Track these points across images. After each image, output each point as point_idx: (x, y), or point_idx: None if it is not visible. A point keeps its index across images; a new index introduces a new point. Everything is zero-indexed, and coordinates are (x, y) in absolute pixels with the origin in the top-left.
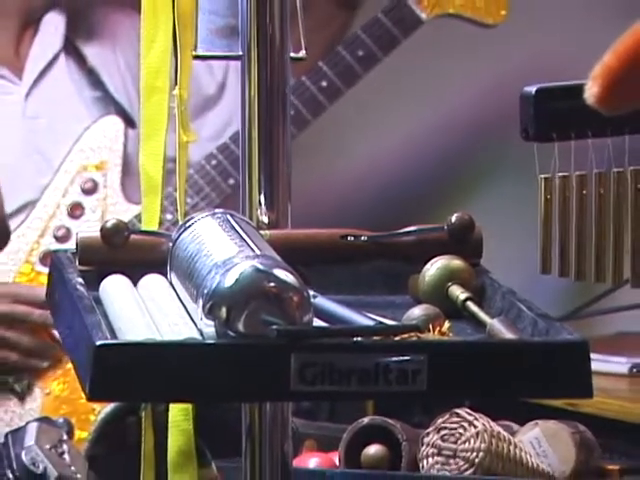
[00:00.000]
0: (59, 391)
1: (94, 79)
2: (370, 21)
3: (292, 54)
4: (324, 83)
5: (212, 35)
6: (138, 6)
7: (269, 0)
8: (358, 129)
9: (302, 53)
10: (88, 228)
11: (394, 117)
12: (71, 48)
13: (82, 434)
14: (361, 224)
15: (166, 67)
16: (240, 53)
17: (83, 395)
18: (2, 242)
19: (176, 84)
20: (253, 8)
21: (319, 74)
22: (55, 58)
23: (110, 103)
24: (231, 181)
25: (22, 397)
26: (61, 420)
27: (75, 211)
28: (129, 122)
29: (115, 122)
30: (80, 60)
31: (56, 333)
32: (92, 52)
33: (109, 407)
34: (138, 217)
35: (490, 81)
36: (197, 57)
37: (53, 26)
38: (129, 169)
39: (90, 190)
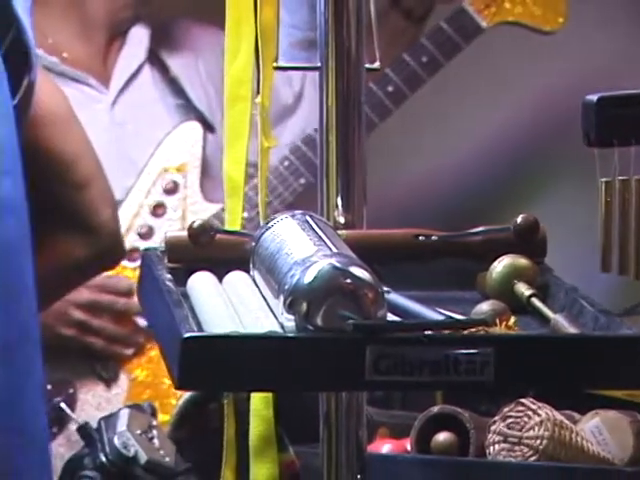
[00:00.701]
0: (143, 377)
1: (176, 88)
2: (433, 29)
3: (367, 65)
4: (390, 88)
5: (292, 48)
6: (218, 21)
7: (346, 15)
8: (426, 132)
9: (376, 64)
10: (174, 228)
11: (460, 121)
12: (155, 59)
13: (164, 417)
14: (428, 223)
15: (249, 77)
16: (318, 64)
17: (166, 381)
18: (118, 257)
19: (258, 93)
20: (331, 22)
21: (385, 80)
22: (140, 68)
23: (191, 110)
24: (302, 180)
25: (108, 383)
26: (145, 404)
27: (157, 210)
28: (208, 127)
29: (195, 127)
30: (163, 70)
31: (139, 322)
32: (175, 63)
33: (190, 392)
34: (216, 215)
35: (553, 86)
36: (278, 68)
37: (138, 39)
38: (207, 170)
39: (171, 190)
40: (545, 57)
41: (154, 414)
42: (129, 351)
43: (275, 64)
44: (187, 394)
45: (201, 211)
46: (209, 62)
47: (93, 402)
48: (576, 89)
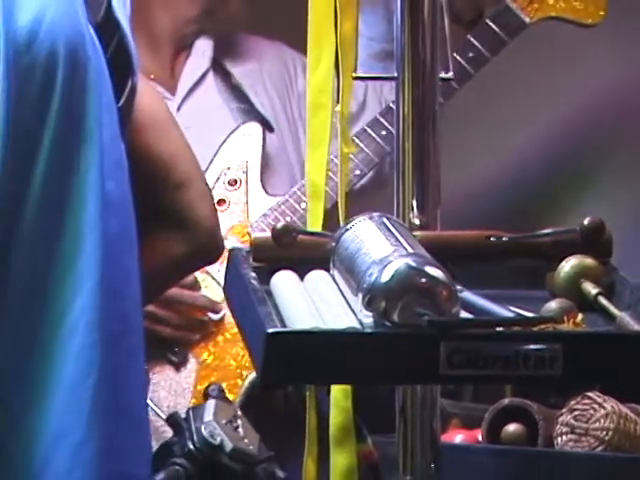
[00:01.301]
0: (210, 360)
1: (238, 93)
2: (480, 26)
3: (441, 75)
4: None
5: (370, 59)
6: (277, 34)
7: (421, 28)
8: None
9: (450, 74)
10: (235, 221)
11: (518, 119)
12: (218, 67)
13: (231, 397)
14: (493, 222)
15: (329, 87)
16: (395, 75)
17: (232, 363)
18: (217, 253)
19: (338, 102)
20: (407, 35)
21: None
22: (204, 76)
23: (251, 112)
24: (357, 172)
25: (177, 366)
26: (213, 386)
27: (221, 205)
28: (268, 127)
29: (255, 127)
30: (226, 77)
31: (209, 313)
32: (236, 71)
33: (255, 375)
34: (273, 208)
35: (605, 85)
36: (357, 78)
37: (202, 50)
38: (267, 167)
39: (233, 186)
40: (596, 53)
41: (221, 395)
42: (196, 337)
43: (354, 74)
44: (252, 376)
45: (261, 204)
46: (270, 71)
47: (164, 385)
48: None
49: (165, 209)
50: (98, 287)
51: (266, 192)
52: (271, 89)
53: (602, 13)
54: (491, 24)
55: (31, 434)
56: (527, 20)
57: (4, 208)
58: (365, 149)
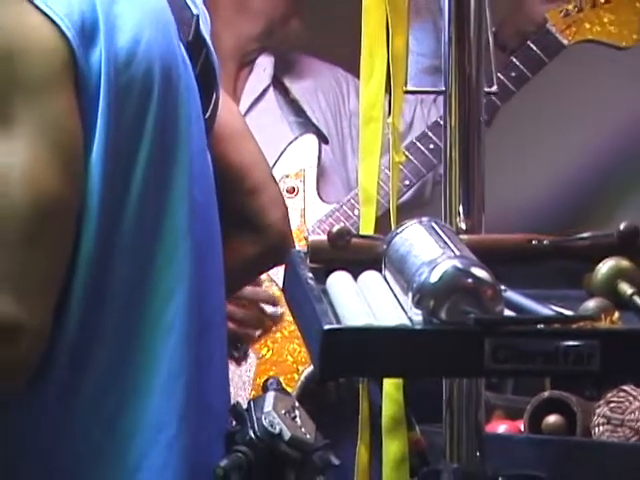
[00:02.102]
0: (269, 355)
1: (296, 107)
2: (522, 48)
3: (486, 89)
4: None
5: (420, 73)
6: (331, 55)
7: (467, 44)
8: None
9: (494, 88)
10: (294, 225)
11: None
12: (278, 83)
13: (288, 390)
14: (535, 226)
15: (381, 100)
16: (443, 89)
17: (289, 358)
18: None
19: (389, 114)
20: (454, 51)
21: None
22: (264, 91)
23: (308, 125)
24: (407, 182)
25: (238, 361)
26: (272, 380)
27: None
28: (323, 139)
29: (312, 139)
30: (285, 93)
31: (267, 307)
32: (295, 87)
33: (310, 370)
34: (327, 215)
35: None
36: (407, 92)
37: (263, 67)
38: (322, 176)
39: (291, 193)
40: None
41: (280, 387)
42: (257, 333)
43: (405, 88)
44: (308, 371)
45: (317, 210)
46: (324, 89)
47: None
48: None
49: (240, 213)
50: (189, 290)
51: (321, 199)
52: (325, 106)
53: (635, 37)
54: (532, 46)
55: (127, 432)
56: (565, 42)
57: (105, 219)
58: (414, 161)
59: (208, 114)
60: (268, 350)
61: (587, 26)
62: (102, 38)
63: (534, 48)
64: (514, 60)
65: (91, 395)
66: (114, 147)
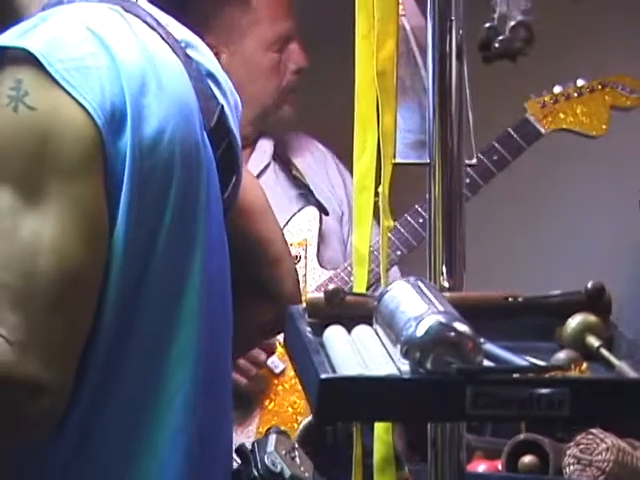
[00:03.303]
0: (271, 406)
1: (298, 182)
2: (503, 135)
3: (466, 161)
4: (467, 180)
5: (407, 148)
6: (323, 135)
7: (449, 121)
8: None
9: (473, 160)
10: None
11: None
12: (279, 161)
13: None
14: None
15: (373, 171)
16: (427, 161)
17: (289, 410)
18: None
19: (379, 184)
20: (437, 127)
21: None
22: (265, 168)
23: (309, 198)
24: (398, 252)
25: (247, 410)
26: (273, 428)
27: None
28: (323, 211)
29: (313, 211)
30: (287, 169)
31: (270, 364)
32: (295, 163)
33: (309, 419)
34: (327, 280)
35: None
36: (396, 164)
37: (264, 148)
38: (322, 245)
39: (294, 260)
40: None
41: (280, 431)
42: (262, 386)
43: (393, 160)
44: (305, 421)
45: (317, 276)
46: (320, 163)
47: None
48: None
49: (259, 282)
50: (199, 354)
51: (321, 266)
52: (323, 180)
53: (604, 127)
54: (513, 133)
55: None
56: (542, 130)
57: (125, 288)
58: (405, 234)
59: (227, 194)
60: (270, 402)
61: (562, 116)
62: (129, 127)
63: (514, 135)
64: (496, 145)
65: (101, 451)
66: (136, 224)
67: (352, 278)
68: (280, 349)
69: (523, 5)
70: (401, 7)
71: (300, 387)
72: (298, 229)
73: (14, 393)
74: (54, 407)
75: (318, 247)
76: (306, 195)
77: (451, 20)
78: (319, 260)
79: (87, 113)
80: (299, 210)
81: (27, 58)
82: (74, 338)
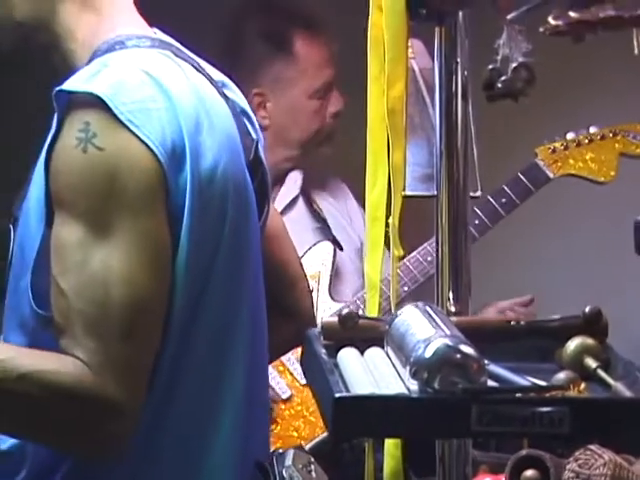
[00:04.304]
0: (277, 430)
1: (318, 216)
2: (513, 178)
3: (471, 193)
4: (476, 221)
5: (415, 181)
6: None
7: (455, 156)
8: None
9: (478, 193)
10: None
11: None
12: (304, 194)
13: None
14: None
15: (384, 203)
16: (435, 193)
17: (294, 434)
18: None
19: (390, 215)
20: (444, 161)
21: (473, 215)
22: (294, 200)
23: (326, 232)
24: (405, 288)
25: None
26: (280, 451)
27: None
28: (338, 245)
29: (328, 246)
30: (309, 203)
31: (278, 390)
32: (318, 199)
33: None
34: (339, 310)
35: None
36: (405, 196)
37: (294, 180)
38: (335, 278)
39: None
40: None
41: (298, 446)
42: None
43: (403, 193)
44: (321, 436)
45: (328, 308)
46: (340, 201)
47: None
48: None
49: (280, 301)
50: (245, 371)
51: (332, 298)
52: (339, 213)
53: (612, 173)
54: (522, 177)
55: None
56: (551, 175)
57: (186, 312)
58: (413, 270)
59: (261, 222)
60: (277, 425)
61: (571, 162)
62: (188, 162)
63: (523, 179)
64: (505, 188)
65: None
66: (196, 251)
67: (360, 312)
68: (288, 376)
69: (524, 48)
70: (410, 50)
71: (305, 413)
72: (313, 262)
73: (95, 413)
74: (129, 427)
75: (330, 280)
76: (323, 229)
77: (457, 62)
78: (330, 293)
79: (150, 151)
80: (315, 244)
81: (93, 102)
82: (145, 361)
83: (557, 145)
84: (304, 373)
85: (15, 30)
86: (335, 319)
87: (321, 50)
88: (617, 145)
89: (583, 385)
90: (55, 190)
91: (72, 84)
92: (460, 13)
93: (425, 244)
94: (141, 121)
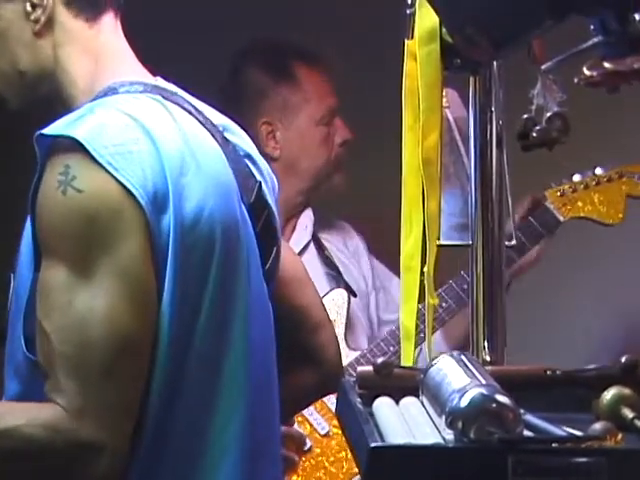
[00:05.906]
0: None
1: (329, 263)
2: (524, 222)
3: (506, 242)
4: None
5: (450, 230)
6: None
7: (490, 205)
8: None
9: (513, 242)
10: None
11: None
12: (316, 240)
13: None
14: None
15: (418, 252)
16: (470, 242)
17: None
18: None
19: (424, 264)
20: (479, 212)
21: None
22: (306, 246)
23: (339, 280)
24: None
25: None
26: None
27: None
28: (351, 292)
29: (342, 293)
30: (321, 249)
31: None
32: (329, 244)
33: None
34: (355, 360)
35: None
36: (440, 245)
37: (304, 225)
38: (350, 326)
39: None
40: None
41: None
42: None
43: (438, 242)
44: None
45: (344, 356)
46: (353, 244)
47: None
48: None
49: (302, 348)
50: (244, 419)
51: (348, 346)
52: (352, 258)
53: (621, 216)
54: (533, 220)
55: None
56: (561, 219)
57: (173, 353)
58: (449, 300)
59: (268, 265)
60: (298, 477)
61: (580, 205)
62: (171, 206)
63: (534, 222)
64: (517, 233)
65: None
66: (181, 293)
67: (377, 359)
68: (308, 427)
69: (559, 97)
70: (445, 99)
71: (326, 464)
72: (327, 309)
73: (73, 458)
74: (112, 467)
75: (346, 328)
76: (336, 277)
77: (491, 111)
78: (346, 341)
79: (130, 194)
80: (328, 292)
81: (74, 146)
82: (128, 401)
83: (565, 188)
84: (339, 423)
85: (20, 80)
86: (370, 368)
87: (322, 78)
88: (624, 187)
89: (620, 436)
90: (39, 233)
91: (54, 128)
92: (495, 63)
93: (462, 271)
94: (121, 164)
